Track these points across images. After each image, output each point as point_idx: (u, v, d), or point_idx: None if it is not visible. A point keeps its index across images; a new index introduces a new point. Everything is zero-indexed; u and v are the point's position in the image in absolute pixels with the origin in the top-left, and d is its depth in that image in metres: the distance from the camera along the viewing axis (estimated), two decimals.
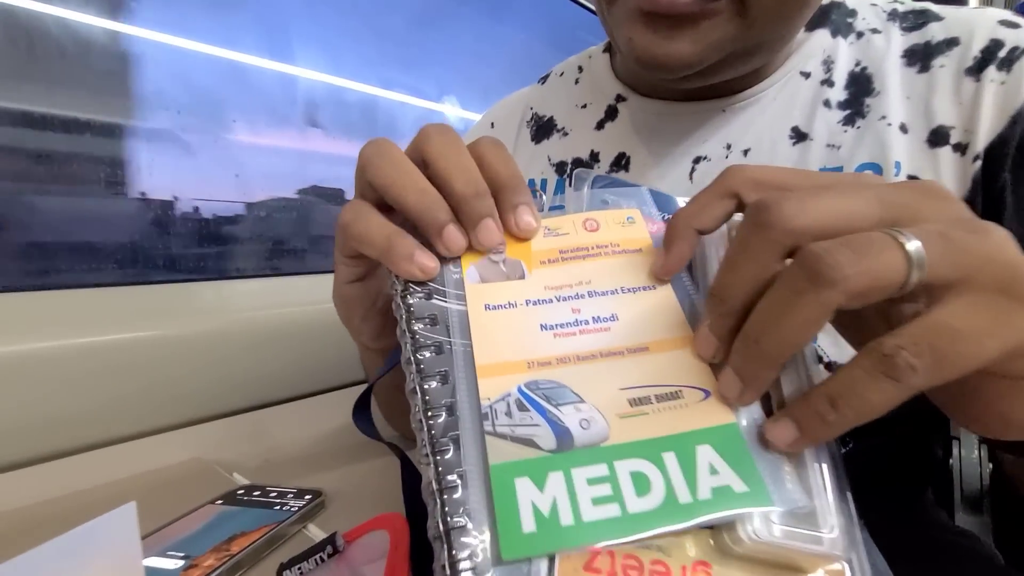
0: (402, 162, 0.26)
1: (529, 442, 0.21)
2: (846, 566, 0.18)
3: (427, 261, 0.25)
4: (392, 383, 0.28)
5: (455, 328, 0.24)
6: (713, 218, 0.23)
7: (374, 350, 0.36)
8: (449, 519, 0.19)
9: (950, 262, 0.17)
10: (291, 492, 0.41)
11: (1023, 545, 0.40)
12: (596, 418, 0.21)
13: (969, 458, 0.46)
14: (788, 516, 0.19)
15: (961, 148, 0.36)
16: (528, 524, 0.19)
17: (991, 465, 0.44)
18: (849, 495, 0.20)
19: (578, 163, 0.50)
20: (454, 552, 0.18)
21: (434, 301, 0.25)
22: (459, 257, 0.26)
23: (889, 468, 0.41)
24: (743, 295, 0.20)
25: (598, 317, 0.24)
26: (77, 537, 0.21)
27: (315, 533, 0.37)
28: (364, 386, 0.34)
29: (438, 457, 0.21)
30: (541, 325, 0.24)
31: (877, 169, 0.37)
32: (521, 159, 0.54)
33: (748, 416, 0.21)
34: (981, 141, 0.35)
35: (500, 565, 0.18)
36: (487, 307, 0.24)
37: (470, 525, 0.19)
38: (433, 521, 0.19)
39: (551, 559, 0.19)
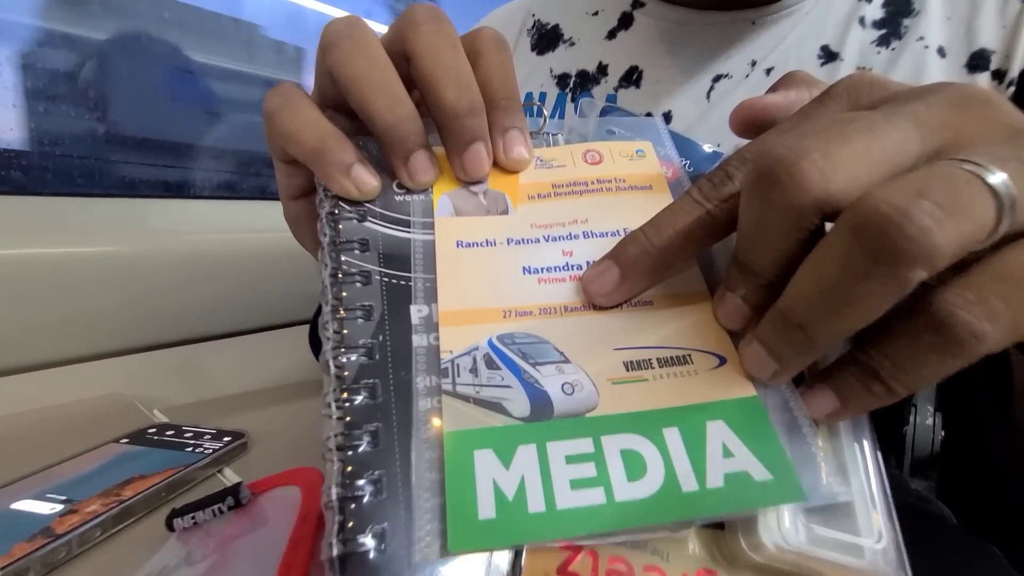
0: (376, 53, 0.20)
1: (497, 407, 0.16)
2: None
3: (367, 178, 0.20)
4: None
5: (418, 261, 0.19)
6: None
7: None
8: (349, 483, 0.15)
9: None
10: (209, 433, 0.36)
11: (973, 504, 0.41)
12: (583, 382, 0.17)
13: (923, 424, 0.47)
14: (819, 515, 0.15)
15: (1000, 75, 0.33)
16: (486, 509, 0.15)
17: (943, 433, 0.46)
18: (890, 493, 0.16)
19: (583, 76, 0.44)
20: (350, 525, 0.14)
21: (368, 224, 0.20)
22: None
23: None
24: (775, 268, 0.15)
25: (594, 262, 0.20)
26: None
27: (231, 479, 0.33)
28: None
29: (346, 404, 0.16)
30: (524, 268, 0.19)
31: None
32: (520, 70, 0.49)
33: (774, 389, 0.17)
34: (1017, 66, 0.33)
35: (444, 559, 0.14)
36: (459, 244, 0.20)
37: (385, 496, 0.15)
38: (327, 485, 0.15)
39: (516, 556, 0.15)
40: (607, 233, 0.20)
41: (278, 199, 0.26)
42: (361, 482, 0.15)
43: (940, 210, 0.12)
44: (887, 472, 0.16)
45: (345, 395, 0.16)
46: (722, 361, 0.18)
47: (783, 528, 0.15)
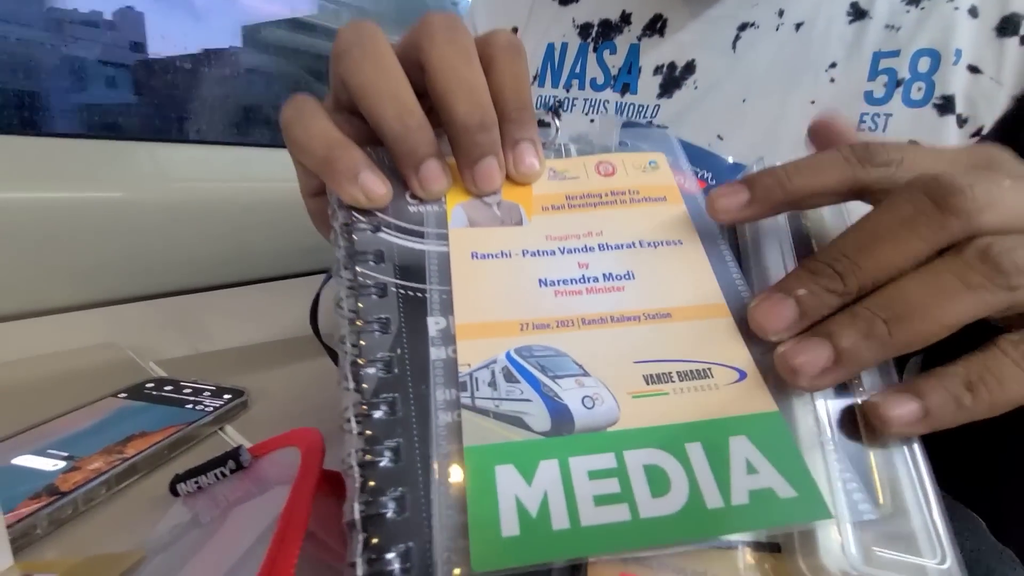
0: (387, 62, 0.20)
1: (517, 421, 0.16)
2: None
3: (375, 186, 0.20)
4: None
5: (433, 272, 0.19)
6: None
7: None
8: (372, 501, 0.15)
9: None
10: (209, 389, 0.36)
11: (945, 458, 0.44)
12: (603, 395, 0.17)
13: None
14: (879, 535, 0.15)
15: None
16: (510, 526, 0.15)
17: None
18: (944, 512, 0.16)
19: (606, 25, 0.44)
20: (374, 543, 0.14)
21: (382, 235, 0.20)
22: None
23: None
24: (883, 274, 0.16)
25: (610, 275, 0.20)
26: None
27: (233, 437, 0.33)
28: (313, 277, 0.29)
29: (367, 419, 0.16)
30: (540, 280, 0.19)
31: (935, 56, 0.34)
32: (540, 21, 0.48)
33: (796, 406, 0.17)
34: None
35: None
36: (474, 256, 0.20)
37: (408, 514, 0.15)
38: (349, 502, 0.15)
39: None
40: (622, 245, 0.20)
41: (280, 147, 0.26)
42: (384, 499, 0.15)
43: None
44: None
45: (365, 409, 0.16)
46: (742, 375, 0.17)
47: (847, 550, 0.15)
